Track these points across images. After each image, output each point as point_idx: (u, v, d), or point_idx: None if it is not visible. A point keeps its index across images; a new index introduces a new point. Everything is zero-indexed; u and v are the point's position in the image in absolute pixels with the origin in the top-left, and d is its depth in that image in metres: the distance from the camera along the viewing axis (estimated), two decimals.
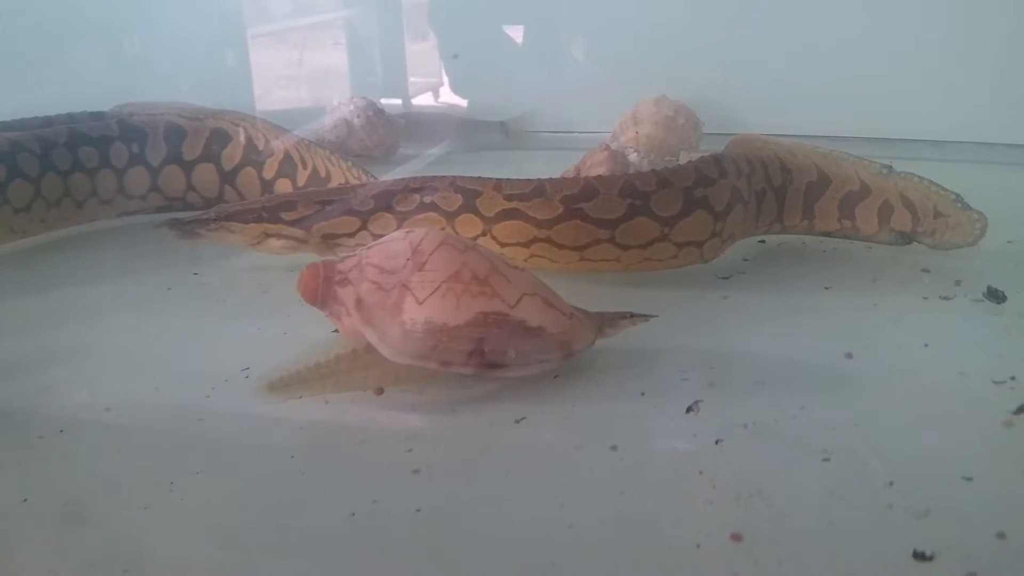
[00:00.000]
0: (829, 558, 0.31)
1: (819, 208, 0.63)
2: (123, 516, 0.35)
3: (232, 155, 0.71)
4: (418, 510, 0.34)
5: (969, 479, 0.35)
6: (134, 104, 0.80)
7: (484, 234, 0.57)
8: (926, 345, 0.48)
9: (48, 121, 0.76)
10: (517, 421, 0.41)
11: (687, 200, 0.56)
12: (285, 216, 0.59)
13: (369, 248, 0.45)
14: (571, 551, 0.32)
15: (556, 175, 0.71)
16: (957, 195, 0.60)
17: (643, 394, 0.43)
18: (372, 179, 0.70)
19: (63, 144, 0.67)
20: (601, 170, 0.70)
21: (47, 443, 0.40)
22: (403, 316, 0.41)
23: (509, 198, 0.57)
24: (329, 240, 0.59)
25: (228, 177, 0.71)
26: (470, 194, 0.57)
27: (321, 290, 0.45)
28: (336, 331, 0.47)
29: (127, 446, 0.40)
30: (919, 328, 0.50)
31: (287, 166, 0.71)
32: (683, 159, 0.82)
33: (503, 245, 0.57)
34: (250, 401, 0.42)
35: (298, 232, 0.59)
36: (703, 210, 0.56)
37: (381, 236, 0.58)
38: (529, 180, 0.57)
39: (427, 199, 0.58)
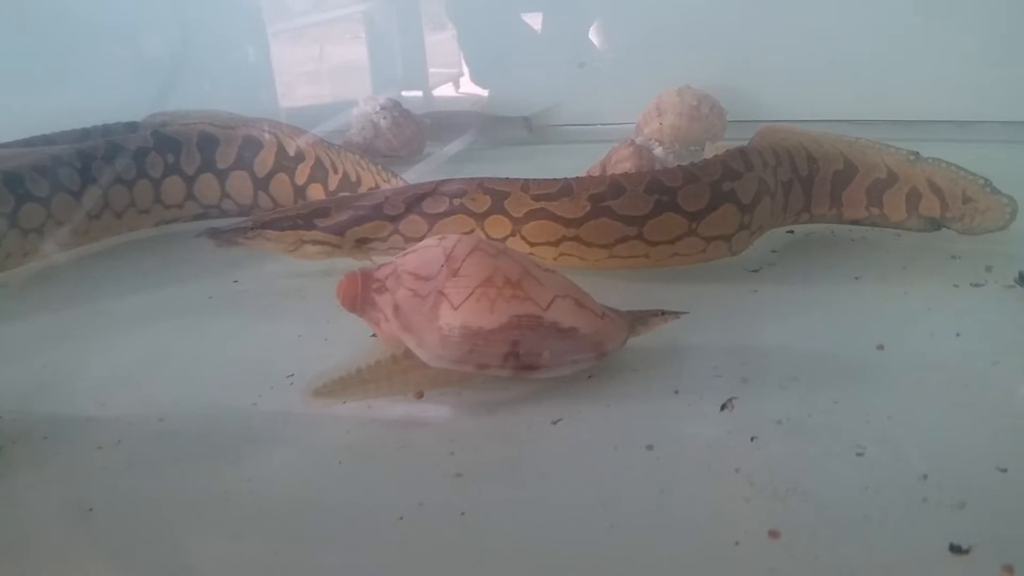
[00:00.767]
0: (866, 552, 0.32)
1: (847, 196, 0.63)
2: (179, 525, 0.37)
3: (264, 162, 0.73)
4: (463, 513, 0.36)
5: (1004, 470, 0.36)
6: (165, 113, 0.82)
7: (513, 234, 0.58)
8: (958, 334, 0.48)
9: (85, 133, 0.78)
10: (554, 422, 0.42)
11: (714, 194, 0.56)
12: (319, 223, 0.60)
13: (404, 256, 0.46)
14: (613, 551, 0.33)
15: (581, 169, 0.72)
16: (986, 180, 0.60)
17: (677, 392, 0.44)
18: (400, 181, 0.71)
19: (102, 157, 0.69)
20: (627, 166, 0.71)
21: (106, 454, 0.42)
22: (440, 321, 0.42)
23: (537, 198, 0.58)
24: (362, 244, 0.61)
25: (261, 183, 0.73)
26: (498, 195, 0.58)
27: (360, 298, 0.46)
28: (374, 336, 0.48)
29: (182, 455, 0.41)
30: (951, 316, 0.51)
31: (318, 171, 0.72)
32: (708, 148, 0.82)
33: (532, 245, 0.58)
34: (296, 407, 0.44)
35: (332, 238, 0.60)
36: (730, 203, 0.57)
37: (412, 238, 0.60)
38: (556, 180, 0.58)
39: (456, 201, 0.59)
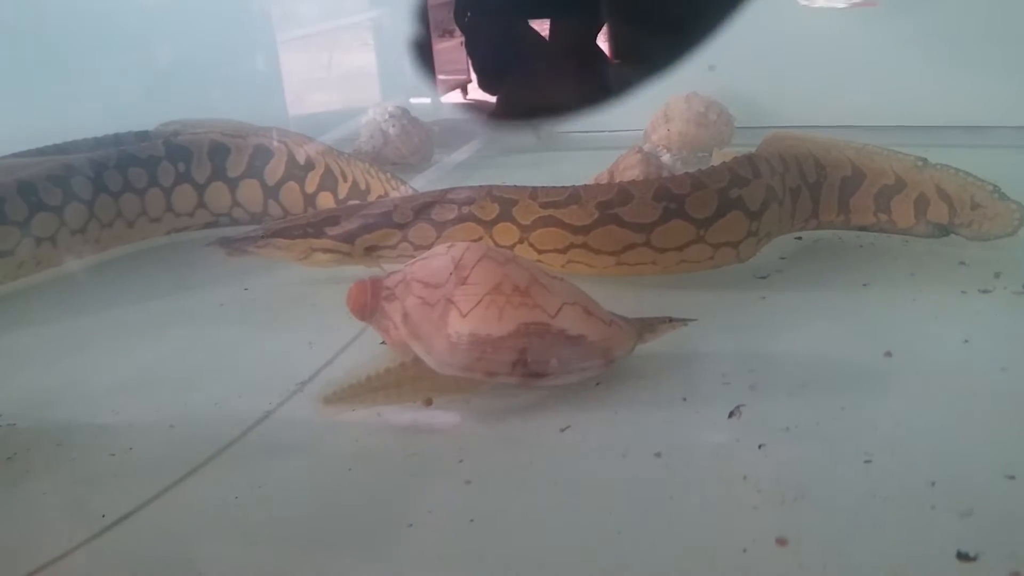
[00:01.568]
0: (873, 560, 0.32)
1: (854, 203, 0.63)
2: (189, 531, 0.37)
3: (275, 171, 0.73)
4: (472, 520, 0.36)
5: (1012, 477, 0.36)
6: (177, 122, 0.83)
7: (521, 241, 0.58)
8: (966, 341, 0.48)
9: (97, 143, 0.79)
10: (562, 430, 0.42)
11: (722, 201, 0.57)
12: (329, 231, 0.61)
13: (413, 264, 0.47)
14: (621, 558, 0.33)
15: (589, 176, 0.72)
16: (994, 186, 0.60)
17: (685, 399, 0.44)
18: (409, 189, 0.72)
19: (114, 166, 0.70)
20: (634, 173, 0.71)
21: (119, 461, 0.42)
22: (448, 329, 0.43)
23: (545, 205, 0.58)
24: (372, 252, 0.61)
25: (272, 192, 0.74)
26: (507, 203, 0.59)
27: (369, 305, 0.47)
28: (384, 343, 0.48)
29: (193, 461, 0.42)
30: (959, 323, 0.51)
31: (328, 180, 0.73)
32: (715, 155, 0.82)
33: (540, 252, 0.58)
34: (306, 415, 0.44)
35: (342, 246, 0.61)
36: (738, 210, 0.57)
37: (420, 245, 0.60)
38: (564, 187, 0.58)
39: (465, 209, 0.59)
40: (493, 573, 0.33)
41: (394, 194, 0.71)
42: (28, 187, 0.64)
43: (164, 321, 0.60)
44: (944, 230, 0.62)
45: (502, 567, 0.34)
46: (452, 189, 0.61)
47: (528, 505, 0.37)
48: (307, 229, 0.61)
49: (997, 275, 0.56)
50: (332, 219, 0.61)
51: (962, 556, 0.31)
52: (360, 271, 0.58)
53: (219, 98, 1.12)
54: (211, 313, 0.60)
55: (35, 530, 0.38)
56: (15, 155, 0.75)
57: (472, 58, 1.15)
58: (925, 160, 0.62)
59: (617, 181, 0.69)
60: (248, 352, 0.55)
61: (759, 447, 0.39)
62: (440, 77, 1.16)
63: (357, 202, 0.70)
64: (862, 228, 0.64)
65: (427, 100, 1.16)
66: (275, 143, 0.73)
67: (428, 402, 0.45)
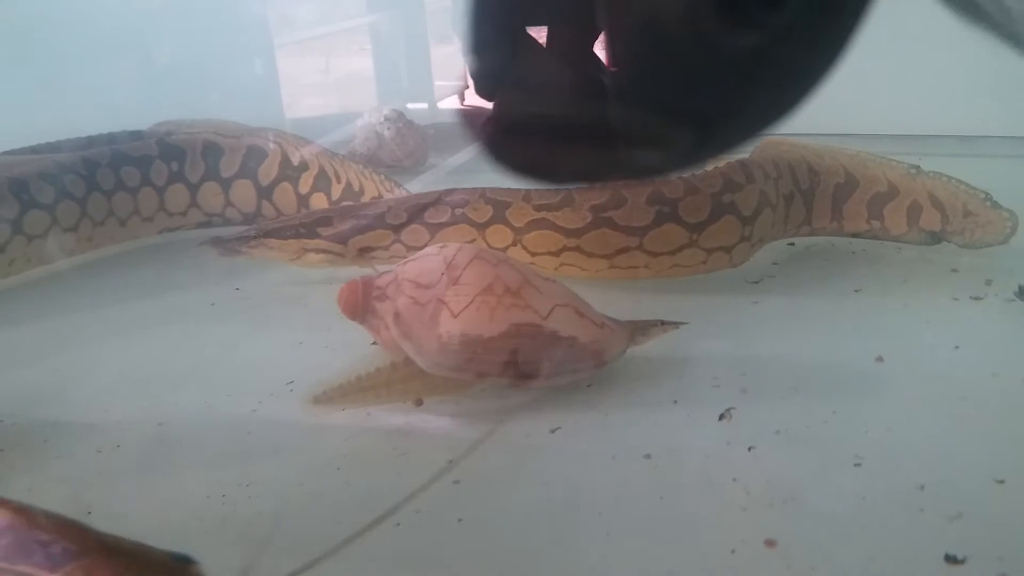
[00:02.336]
0: (862, 562, 0.32)
1: (847, 210, 0.64)
2: (176, 528, 0.37)
3: (268, 171, 0.73)
4: (460, 520, 0.36)
5: (1001, 482, 0.36)
6: (171, 122, 0.82)
7: (515, 244, 0.58)
8: (957, 347, 0.48)
9: (91, 141, 0.78)
10: (552, 431, 0.42)
11: (715, 206, 0.57)
12: (322, 231, 0.60)
13: (405, 264, 0.47)
14: (609, 559, 0.33)
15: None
16: (986, 194, 0.60)
17: (676, 402, 0.44)
18: (403, 191, 0.72)
19: (107, 164, 0.69)
20: None
21: (106, 457, 0.42)
22: (439, 329, 0.43)
23: (538, 208, 0.58)
24: (365, 253, 0.61)
25: (265, 192, 0.73)
26: (500, 205, 0.59)
27: (360, 305, 0.46)
28: (375, 343, 0.48)
29: (182, 460, 0.42)
30: (950, 329, 0.51)
31: (322, 181, 0.73)
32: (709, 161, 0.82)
33: (534, 254, 0.58)
34: (295, 414, 0.44)
35: (335, 246, 0.61)
36: (731, 215, 0.57)
37: (414, 247, 0.60)
38: (558, 190, 0.58)
39: (458, 211, 0.59)
40: (481, 574, 0.33)
41: (388, 196, 0.71)
42: (20, 184, 0.64)
43: (155, 320, 0.60)
44: (936, 237, 0.62)
45: (490, 568, 0.33)
46: (446, 191, 0.61)
47: (517, 505, 0.37)
48: (300, 229, 0.61)
49: (988, 282, 0.56)
50: (325, 220, 0.61)
51: (950, 559, 0.31)
52: (352, 272, 0.58)
53: (216, 101, 1.12)
54: (202, 312, 0.60)
55: None
56: (8, 152, 0.74)
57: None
58: (918, 168, 0.62)
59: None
60: (238, 351, 0.55)
61: (749, 449, 0.39)
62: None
63: (351, 203, 0.70)
64: (855, 234, 0.65)
65: (424, 105, 1.16)
66: (269, 144, 0.73)
67: (418, 402, 0.45)
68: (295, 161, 0.73)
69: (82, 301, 0.64)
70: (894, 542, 0.33)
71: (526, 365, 0.43)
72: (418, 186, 0.80)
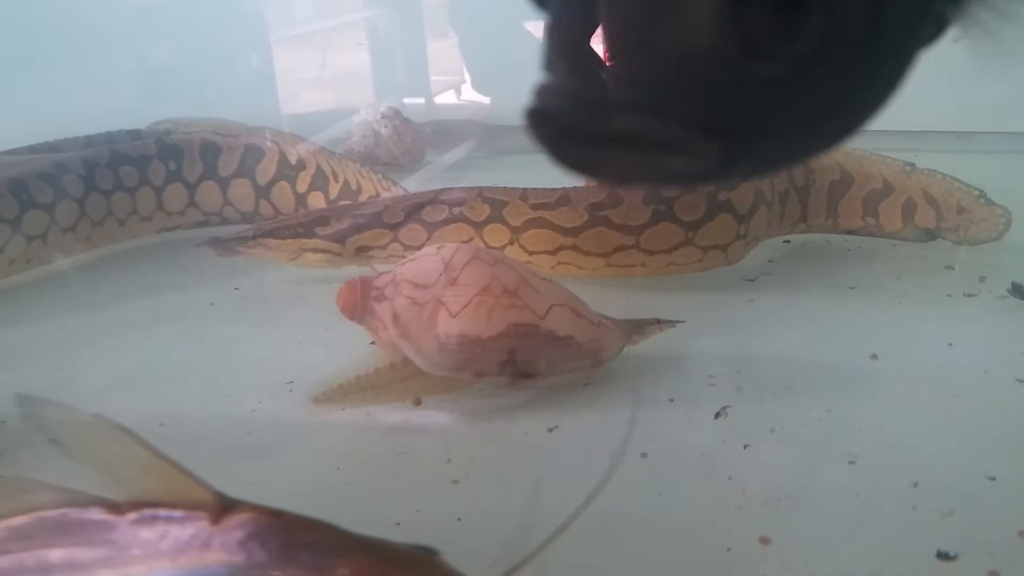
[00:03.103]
0: (855, 559, 0.32)
1: (842, 207, 0.64)
2: None
3: (266, 170, 0.73)
4: (459, 519, 0.36)
5: (993, 479, 0.36)
6: (169, 121, 0.82)
7: (512, 243, 0.59)
8: (950, 344, 0.49)
9: (89, 141, 0.78)
10: (550, 429, 0.43)
11: (711, 204, 0.57)
12: (320, 231, 0.61)
13: (403, 264, 0.47)
14: (607, 556, 0.34)
15: (580, 180, 0.73)
16: (980, 191, 0.61)
17: (672, 400, 0.44)
18: (400, 190, 0.72)
19: (105, 164, 0.70)
20: None
21: None
22: (438, 329, 0.43)
23: (535, 207, 0.58)
24: (362, 252, 0.61)
25: (263, 191, 0.74)
26: (497, 204, 0.59)
27: (359, 305, 0.47)
28: (374, 343, 0.48)
29: (183, 459, 0.42)
30: (944, 326, 0.51)
31: (319, 180, 0.73)
32: None
33: (531, 253, 0.59)
34: (295, 413, 0.44)
35: (333, 246, 0.61)
36: (727, 213, 0.57)
37: (411, 246, 0.60)
38: (554, 189, 0.58)
39: (455, 210, 0.60)
40: (479, 572, 0.34)
41: (385, 195, 0.71)
42: (19, 185, 0.64)
43: (154, 320, 0.60)
44: (931, 234, 0.63)
45: (488, 566, 0.34)
46: (443, 190, 0.61)
47: (515, 504, 0.37)
48: (298, 229, 0.61)
49: (982, 279, 0.57)
50: (323, 219, 0.61)
51: (942, 555, 0.32)
52: (351, 271, 0.58)
53: (213, 97, 1.12)
54: (202, 312, 0.60)
55: None
56: (7, 152, 0.74)
57: None
58: (913, 165, 0.63)
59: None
60: (238, 351, 0.55)
61: (744, 447, 0.39)
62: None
63: (348, 202, 0.71)
64: (850, 232, 0.65)
65: (420, 100, 1.16)
66: (267, 143, 0.73)
67: (417, 402, 0.45)
68: (293, 160, 0.73)
69: (81, 301, 0.64)
70: (887, 539, 0.33)
71: (524, 364, 0.43)
72: (415, 184, 0.80)
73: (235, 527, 0.24)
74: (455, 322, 0.43)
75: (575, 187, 0.59)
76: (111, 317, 0.61)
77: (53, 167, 0.67)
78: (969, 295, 0.55)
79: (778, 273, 0.61)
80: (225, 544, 0.24)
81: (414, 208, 0.61)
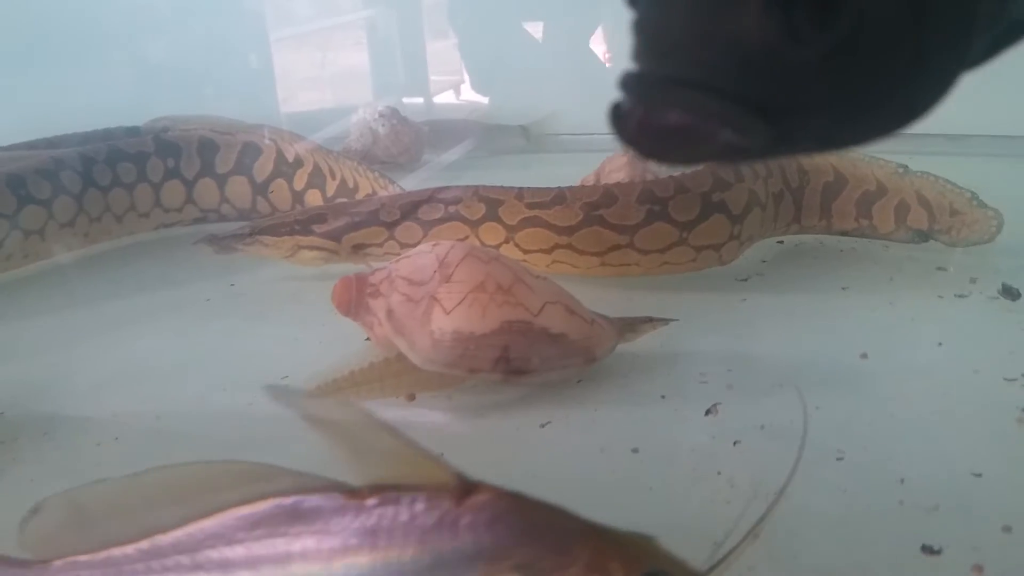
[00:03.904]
0: (841, 552, 0.33)
1: (836, 208, 0.64)
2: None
3: (263, 167, 0.74)
4: None
5: (979, 475, 0.37)
6: (167, 118, 0.83)
7: (507, 241, 0.59)
8: (940, 344, 0.49)
9: (86, 138, 0.79)
10: (543, 425, 0.43)
11: (705, 204, 0.57)
12: (316, 228, 0.61)
13: (398, 261, 0.47)
14: None
15: (576, 178, 0.73)
16: (973, 193, 0.61)
17: (663, 397, 0.45)
18: (397, 188, 0.72)
19: (103, 160, 0.70)
20: (620, 175, 0.72)
21: (105, 450, 0.43)
22: (432, 326, 0.43)
23: (531, 206, 0.59)
24: (359, 250, 0.62)
25: (260, 189, 0.74)
26: (493, 203, 0.59)
27: (354, 302, 0.47)
28: (368, 339, 0.49)
29: (179, 453, 0.42)
30: (934, 326, 0.52)
31: (316, 177, 0.73)
32: None
33: (526, 252, 0.59)
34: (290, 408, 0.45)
35: (329, 243, 0.61)
36: (721, 214, 0.58)
37: (407, 244, 0.61)
38: (550, 188, 0.59)
39: (451, 208, 0.60)
40: None
41: (382, 193, 0.71)
42: (17, 180, 0.65)
43: (151, 315, 0.61)
44: (924, 236, 0.63)
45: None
46: (439, 188, 0.62)
47: None
48: (294, 226, 0.61)
49: (973, 280, 0.57)
50: (319, 217, 0.62)
51: (927, 549, 0.32)
52: (346, 268, 0.59)
53: (211, 95, 1.12)
54: (198, 308, 0.61)
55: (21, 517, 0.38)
56: (4, 149, 0.75)
57: None
58: (906, 167, 0.63)
59: (603, 183, 0.69)
60: (233, 346, 0.55)
61: (734, 444, 0.40)
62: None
63: (345, 200, 0.71)
64: (843, 233, 0.65)
65: (419, 99, 1.16)
66: (264, 140, 0.74)
67: (411, 397, 0.46)
68: (290, 158, 0.74)
69: (79, 296, 0.64)
70: (873, 533, 0.34)
71: (517, 361, 0.44)
72: (412, 183, 0.81)
73: (479, 508, 0.24)
74: (449, 319, 0.43)
75: (570, 187, 0.60)
76: (108, 312, 0.61)
77: (51, 163, 0.67)
78: (960, 296, 0.55)
79: (771, 273, 0.62)
80: (472, 525, 0.24)
81: (410, 206, 0.61)
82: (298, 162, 0.73)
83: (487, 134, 1.02)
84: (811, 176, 0.64)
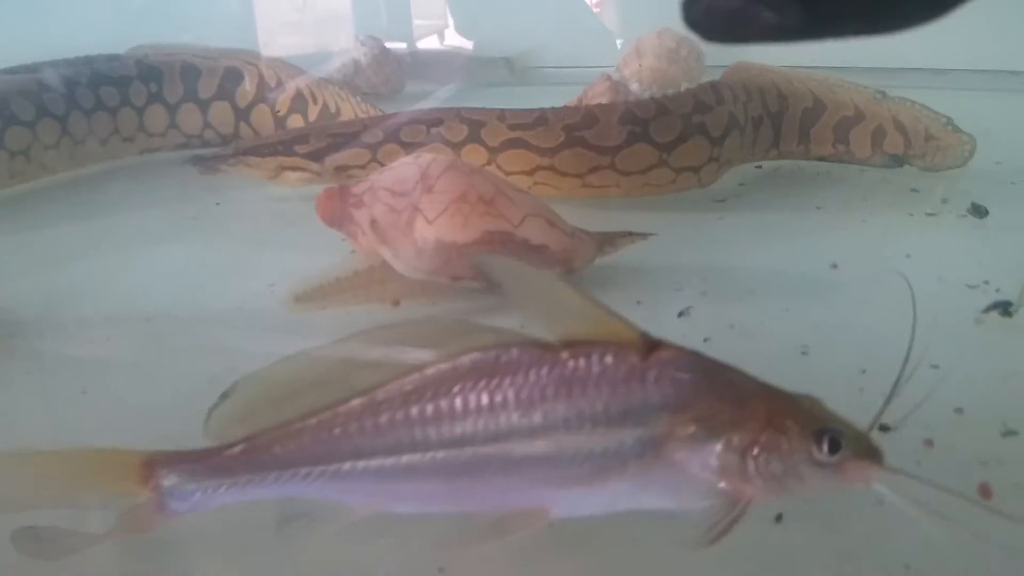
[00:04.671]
0: None
1: (814, 133, 0.65)
2: (181, 421, 0.39)
3: (246, 93, 0.74)
4: None
5: (936, 367, 0.38)
6: (147, 46, 0.82)
7: (489, 163, 0.60)
8: (908, 255, 0.51)
9: (68, 64, 0.78)
10: (522, 326, 0.44)
11: (685, 126, 0.58)
12: (299, 149, 0.62)
13: (381, 172, 0.48)
14: None
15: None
16: (948, 118, 0.62)
17: (639, 303, 0.46)
18: (380, 113, 0.72)
19: (85, 84, 0.70)
20: (603, 100, 0.72)
21: (97, 347, 0.44)
22: (415, 235, 0.44)
23: (513, 127, 0.59)
24: (341, 172, 0.62)
25: (243, 114, 0.74)
26: (475, 124, 0.60)
27: (337, 212, 0.48)
28: (353, 251, 0.50)
29: (170, 352, 0.44)
30: (903, 241, 0.53)
31: (299, 102, 0.73)
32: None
33: (508, 174, 0.60)
34: (278, 311, 0.46)
35: (312, 164, 0.62)
36: (701, 136, 0.59)
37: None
38: (532, 110, 0.59)
39: (433, 130, 0.60)
40: None
41: (364, 117, 0.71)
42: (0, 101, 0.64)
43: (139, 232, 0.61)
44: (899, 160, 0.64)
45: None
46: (421, 110, 0.62)
47: None
48: (277, 147, 0.62)
49: (945, 201, 0.59)
50: (302, 138, 0.62)
51: (883, 428, 0.34)
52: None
53: (190, 38, 1.11)
54: (184, 225, 0.62)
55: (19, 404, 0.40)
56: None
57: None
58: (884, 93, 0.64)
59: (584, 104, 0.70)
60: (220, 258, 0.56)
61: (704, 340, 0.42)
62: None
63: (327, 122, 0.71)
64: (821, 158, 0.67)
65: (402, 44, 1.15)
66: (246, 66, 0.73)
67: (396, 303, 0.47)
68: (272, 83, 0.73)
69: (65, 216, 0.65)
70: None
71: None
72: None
73: (663, 364, 0.26)
74: (432, 228, 0.44)
75: (552, 108, 0.60)
76: (96, 230, 0.62)
77: (35, 85, 0.67)
78: (930, 214, 0.57)
79: (748, 195, 0.63)
80: (658, 378, 0.26)
81: (393, 128, 0.61)
82: (280, 87, 0.73)
83: (471, 66, 1.02)
84: (791, 101, 0.65)
